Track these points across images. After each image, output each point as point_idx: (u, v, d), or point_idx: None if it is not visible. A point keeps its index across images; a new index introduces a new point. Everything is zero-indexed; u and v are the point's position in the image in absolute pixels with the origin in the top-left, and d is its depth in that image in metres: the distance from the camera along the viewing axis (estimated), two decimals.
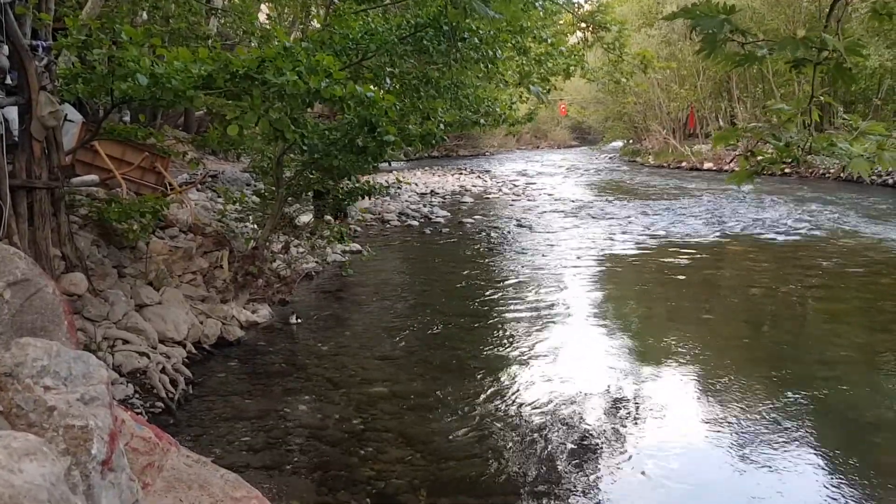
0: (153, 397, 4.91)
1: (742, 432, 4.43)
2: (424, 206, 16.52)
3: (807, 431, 4.47)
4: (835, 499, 3.68)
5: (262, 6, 14.64)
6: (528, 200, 18.62)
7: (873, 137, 2.30)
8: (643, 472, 3.99)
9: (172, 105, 5.09)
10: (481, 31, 7.01)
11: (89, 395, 1.54)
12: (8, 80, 5.01)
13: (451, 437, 4.44)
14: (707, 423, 4.63)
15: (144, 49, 5.09)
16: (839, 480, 3.87)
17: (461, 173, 27.54)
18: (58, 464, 1.16)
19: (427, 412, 4.86)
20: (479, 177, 26.24)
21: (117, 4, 8.45)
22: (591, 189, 22.03)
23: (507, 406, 4.95)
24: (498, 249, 11.46)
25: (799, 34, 2.10)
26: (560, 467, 4.07)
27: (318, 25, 9.51)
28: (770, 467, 3.99)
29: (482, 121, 10.75)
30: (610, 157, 39.49)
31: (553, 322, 7.04)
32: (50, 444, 1.26)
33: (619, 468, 4.04)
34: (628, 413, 4.78)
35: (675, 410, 4.82)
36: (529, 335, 6.61)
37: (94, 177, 6.53)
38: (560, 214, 15.57)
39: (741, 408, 4.81)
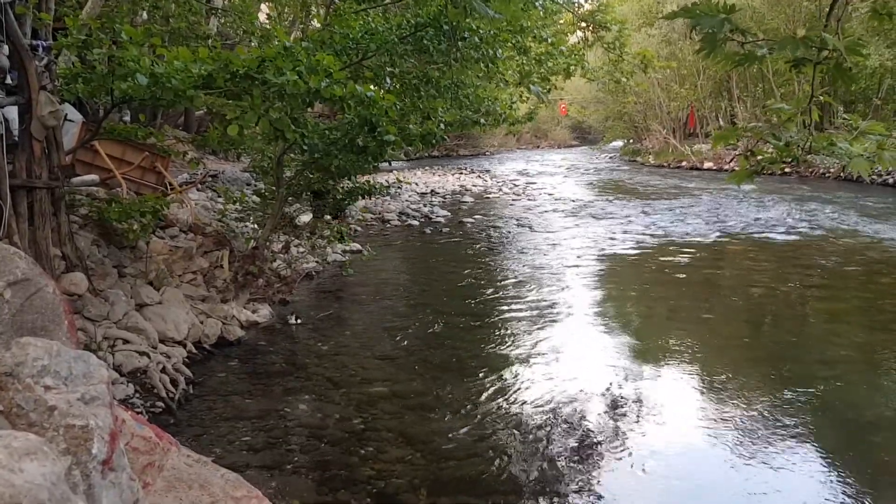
0: (153, 397, 4.91)
1: (742, 431, 4.43)
2: (425, 205, 16.51)
3: (806, 430, 4.47)
4: (835, 498, 3.68)
5: (262, 6, 14.66)
6: (529, 200, 18.62)
7: (873, 137, 2.30)
8: (644, 471, 3.99)
9: (172, 105, 5.09)
10: (481, 31, 7.01)
11: (90, 395, 1.54)
12: (8, 80, 5.02)
13: (451, 436, 4.44)
14: (707, 422, 4.64)
15: (144, 49, 5.09)
16: (839, 480, 3.87)
17: (461, 173, 27.52)
18: (58, 463, 1.16)
19: (427, 412, 4.86)
20: (479, 176, 26.22)
21: (117, 4, 8.45)
22: (591, 188, 22.03)
23: (507, 405, 4.95)
24: (498, 249, 11.46)
25: (799, 34, 2.11)
26: (560, 466, 4.08)
27: (319, 25, 9.52)
28: (770, 466, 4.00)
29: (482, 120, 10.76)
30: (610, 157, 39.48)
31: (553, 321, 7.04)
32: (50, 444, 1.26)
33: (619, 467, 4.04)
34: (628, 412, 4.78)
35: (675, 409, 4.82)
36: (530, 334, 6.61)
37: (94, 176, 6.54)
38: (560, 214, 15.57)
39: (741, 407, 4.81)
